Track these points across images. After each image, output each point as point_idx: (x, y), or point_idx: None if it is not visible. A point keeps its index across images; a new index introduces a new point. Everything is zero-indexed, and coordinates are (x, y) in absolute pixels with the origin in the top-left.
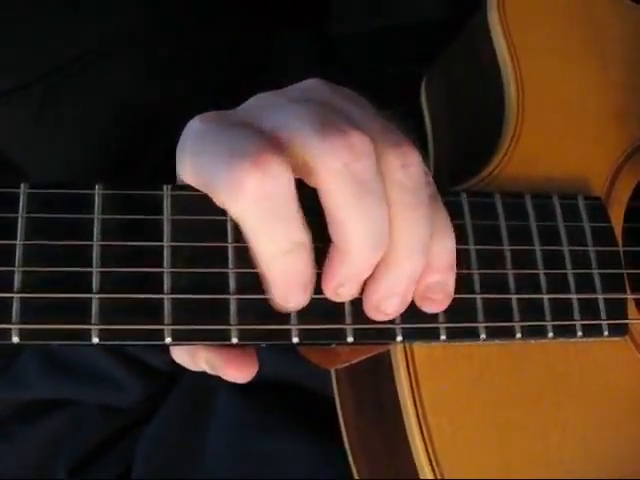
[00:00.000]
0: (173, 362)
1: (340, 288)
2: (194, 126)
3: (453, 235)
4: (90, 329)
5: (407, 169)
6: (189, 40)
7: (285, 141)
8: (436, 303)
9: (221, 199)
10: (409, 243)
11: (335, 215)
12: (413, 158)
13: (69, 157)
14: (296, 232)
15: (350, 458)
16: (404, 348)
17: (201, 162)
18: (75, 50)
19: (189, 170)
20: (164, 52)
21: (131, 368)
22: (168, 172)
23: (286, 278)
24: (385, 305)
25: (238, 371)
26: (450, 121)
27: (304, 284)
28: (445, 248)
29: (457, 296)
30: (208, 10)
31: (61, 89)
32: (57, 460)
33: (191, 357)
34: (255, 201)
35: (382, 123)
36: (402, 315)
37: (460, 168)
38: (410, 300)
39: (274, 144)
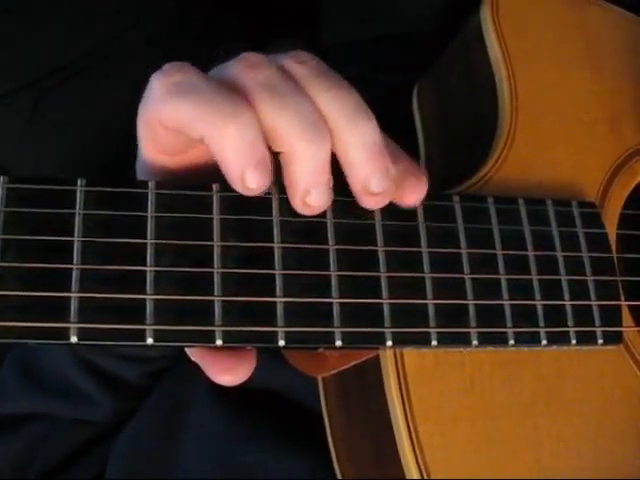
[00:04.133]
0: (147, 375)
1: (307, 196)
2: None
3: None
4: (69, 328)
5: (305, 64)
6: (184, 47)
7: None
8: (411, 189)
9: (152, 114)
10: (345, 113)
11: (267, 126)
12: (305, 55)
13: (59, 161)
14: (233, 105)
15: (336, 465)
16: (394, 354)
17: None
18: (66, 56)
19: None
20: (157, 59)
21: (105, 384)
22: None
23: (238, 150)
24: (372, 184)
25: (227, 375)
26: (442, 127)
27: (259, 157)
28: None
29: (449, 301)
30: (205, 17)
31: (53, 94)
32: (28, 468)
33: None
34: (169, 90)
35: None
36: (392, 319)
37: (452, 173)
38: (391, 173)
39: None
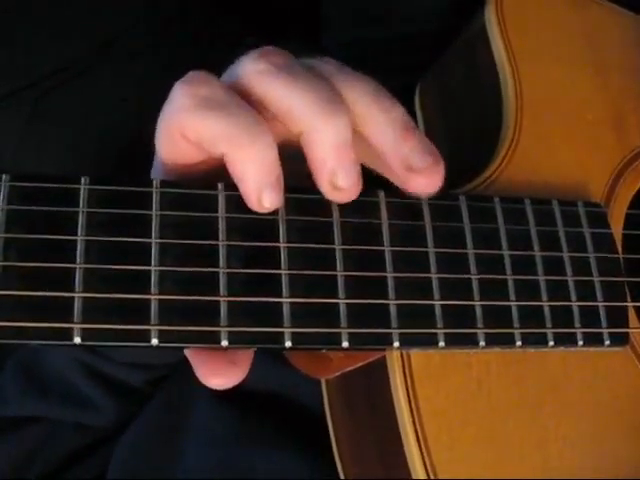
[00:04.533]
0: (152, 383)
1: (334, 178)
2: None
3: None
4: (72, 328)
5: (323, 60)
6: (184, 48)
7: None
8: (422, 173)
9: (179, 123)
10: (369, 95)
11: (284, 107)
12: (325, 57)
13: (59, 164)
14: (247, 114)
15: (339, 467)
16: (400, 355)
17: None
18: (66, 57)
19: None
20: (157, 61)
21: (108, 389)
22: None
23: (258, 170)
24: (414, 161)
25: (217, 377)
26: (445, 127)
27: (275, 178)
28: (396, 113)
29: (456, 302)
30: (205, 17)
31: (53, 95)
32: (29, 470)
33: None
34: (196, 104)
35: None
36: (399, 320)
37: (456, 174)
38: (431, 147)
39: None
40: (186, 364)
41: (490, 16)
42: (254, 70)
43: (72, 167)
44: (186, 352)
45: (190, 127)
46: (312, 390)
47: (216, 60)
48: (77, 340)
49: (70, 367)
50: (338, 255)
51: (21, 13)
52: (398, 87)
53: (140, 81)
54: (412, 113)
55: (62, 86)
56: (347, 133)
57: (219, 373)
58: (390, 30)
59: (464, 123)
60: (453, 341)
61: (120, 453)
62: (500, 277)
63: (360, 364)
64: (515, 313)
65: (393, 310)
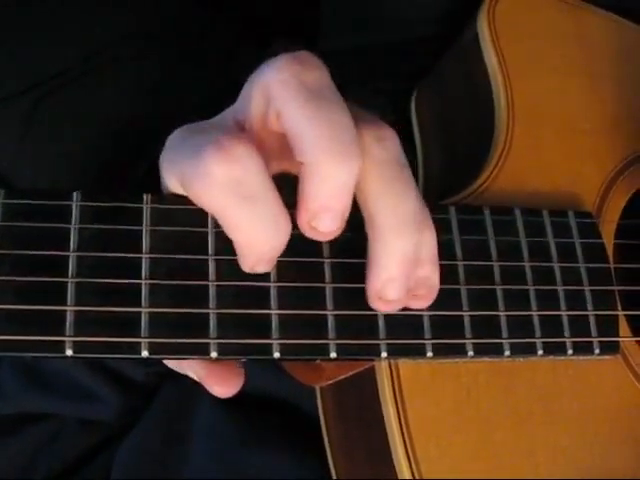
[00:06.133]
0: (153, 375)
1: (314, 219)
2: (175, 134)
3: (434, 229)
4: (64, 341)
5: (383, 142)
6: (178, 57)
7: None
8: (421, 299)
9: (194, 193)
10: (391, 217)
11: (295, 131)
12: (388, 132)
13: (54, 170)
14: (273, 210)
15: (334, 474)
16: (389, 365)
17: (175, 160)
18: (66, 60)
19: (167, 174)
20: (152, 67)
21: (111, 382)
22: (152, 187)
23: (261, 255)
24: (386, 291)
25: (221, 386)
26: (440, 135)
27: (274, 255)
28: (427, 241)
29: (444, 312)
30: (200, 27)
31: (52, 98)
32: (35, 471)
33: (178, 364)
34: (226, 187)
35: (359, 109)
36: (387, 331)
37: (449, 182)
38: (409, 284)
39: (239, 128)
40: None
41: (482, 25)
42: (278, 79)
43: (70, 170)
44: (186, 371)
45: (210, 205)
46: (311, 394)
47: (215, 65)
48: (69, 352)
49: (72, 362)
50: (326, 267)
51: (21, 15)
52: (396, 93)
53: (140, 84)
54: (408, 119)
55: (62, 89)
56: (349, 183)
57: (218, 382)
58: (389, 36)
59: (459, 131)
60: (441, 351)
61: (124, 455)
62: (489, 287)
63: (351, 373)
64: (504, 323)
65: (381, 321)
